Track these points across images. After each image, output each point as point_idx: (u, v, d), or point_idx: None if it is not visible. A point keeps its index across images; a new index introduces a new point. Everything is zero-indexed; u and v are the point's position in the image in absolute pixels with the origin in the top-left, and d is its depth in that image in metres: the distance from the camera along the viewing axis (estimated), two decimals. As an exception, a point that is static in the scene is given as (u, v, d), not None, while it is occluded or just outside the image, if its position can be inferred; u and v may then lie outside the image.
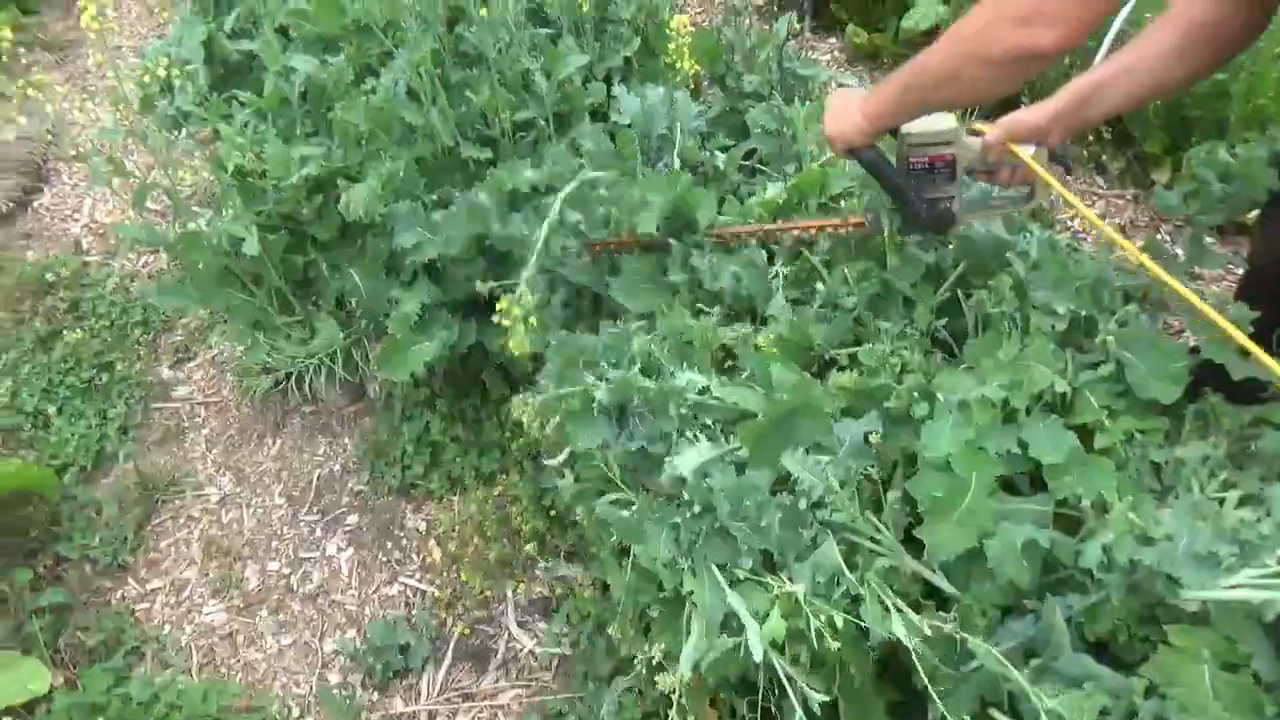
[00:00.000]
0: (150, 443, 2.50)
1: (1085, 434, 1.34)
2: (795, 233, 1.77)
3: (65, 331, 2.76)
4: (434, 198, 2.08)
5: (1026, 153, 1.41)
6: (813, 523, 1.29)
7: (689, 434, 1.42)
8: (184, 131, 2.72)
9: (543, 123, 2.14)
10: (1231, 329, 1.17)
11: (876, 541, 1.28)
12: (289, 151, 2.19)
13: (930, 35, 3.07)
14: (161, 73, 1.94)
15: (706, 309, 1.72)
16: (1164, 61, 1.32)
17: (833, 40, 3.43)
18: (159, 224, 2.77)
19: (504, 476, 2.14)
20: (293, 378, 2.33)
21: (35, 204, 3.55)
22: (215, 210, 2.28)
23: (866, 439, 1.37)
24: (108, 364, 2.70)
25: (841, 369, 1.70)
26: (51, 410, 2.55)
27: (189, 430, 2.53)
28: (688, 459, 1.39)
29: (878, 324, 1.70)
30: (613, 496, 1.49)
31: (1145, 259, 1.29)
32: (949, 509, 1.22)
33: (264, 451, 2.44)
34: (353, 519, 2.21)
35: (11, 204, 3.47)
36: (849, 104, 1.42)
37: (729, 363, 1.67)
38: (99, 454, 2.43)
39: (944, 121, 1.46)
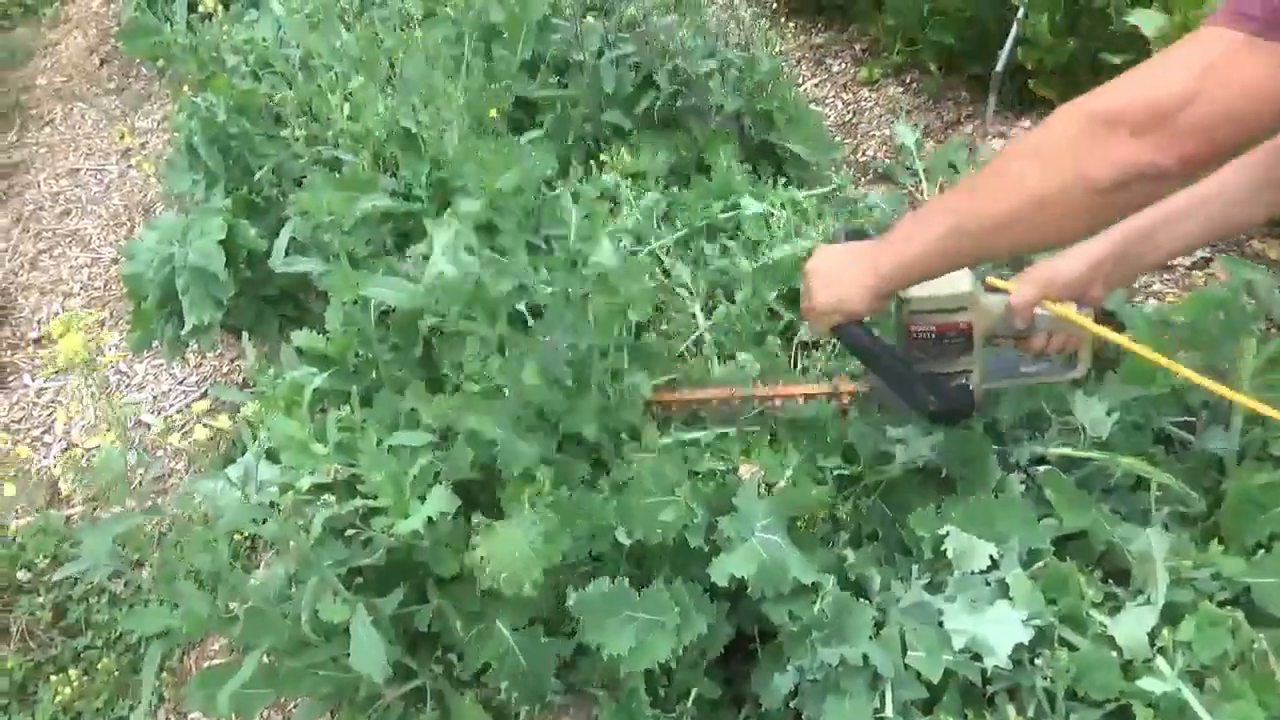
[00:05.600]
0: None
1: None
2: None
3: (53, 678, 1.89)
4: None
5: (1070, 310, 1.14)
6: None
7: None
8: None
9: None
10: None
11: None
12: (391, 459, 1.37)
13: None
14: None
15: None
16: (1250, 187, 1.12)
17: (1026, 123, 2.64)
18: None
19: None
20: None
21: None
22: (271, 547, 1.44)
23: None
24: (119, 721, 1.85)
25: None
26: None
27: None
28: None
29: None
30: None
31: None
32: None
33: None
34: None
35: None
36: (849, 262, 1.12)
37: None
38: None
39: (959, 283, 1.14)
